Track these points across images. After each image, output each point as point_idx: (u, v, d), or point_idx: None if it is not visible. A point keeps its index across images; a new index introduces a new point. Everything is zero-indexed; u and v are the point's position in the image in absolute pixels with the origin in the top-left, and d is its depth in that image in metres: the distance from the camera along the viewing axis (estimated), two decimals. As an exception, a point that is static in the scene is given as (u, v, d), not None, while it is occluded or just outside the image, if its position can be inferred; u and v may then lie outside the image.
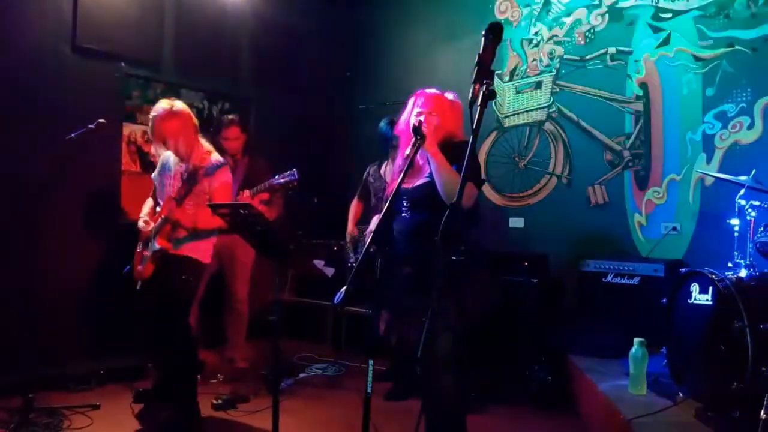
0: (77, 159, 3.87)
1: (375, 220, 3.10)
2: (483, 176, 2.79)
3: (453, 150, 2.53)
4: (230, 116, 4.52)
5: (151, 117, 3.42)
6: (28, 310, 3.99)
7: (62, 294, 4.21)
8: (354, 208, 4.65)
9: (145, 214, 3.53)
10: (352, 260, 4.57)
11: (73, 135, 3.51)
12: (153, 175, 3.64)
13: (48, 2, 4.31)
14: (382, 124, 4.39)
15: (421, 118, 2.58)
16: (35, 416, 3.35)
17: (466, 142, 2.51)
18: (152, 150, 3.50)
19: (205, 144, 3.53)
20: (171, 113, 3.36)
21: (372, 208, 4.42)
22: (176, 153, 3.44)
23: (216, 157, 3.49)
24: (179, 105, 3.43)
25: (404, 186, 2.61)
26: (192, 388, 3.43)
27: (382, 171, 4.44)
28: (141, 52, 4.82)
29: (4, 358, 3.81)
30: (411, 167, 2.44)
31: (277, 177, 3.95)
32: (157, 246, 3.31)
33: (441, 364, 2.53)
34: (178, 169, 3.46)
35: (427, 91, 2.76)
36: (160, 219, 3.35)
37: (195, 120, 3.48)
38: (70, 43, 4.41)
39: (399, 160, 2.85)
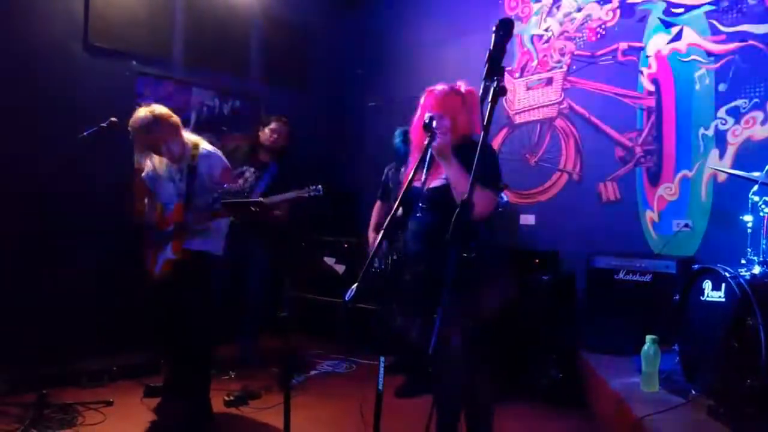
0: (89, 157, 3.90)
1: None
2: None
3: (472, 151, 2.45)
4: (284, 118, 4.73)
5: (133, 129, 3.28)
6: (41, 308, 4.03)
7: (75, 291, 4.24)
8: (376, 211, 4.64)
9: (152, 218, 3.52)
10: (375, 265, 4.47)
11: (85, 133, 3.53)
12: (143, 176, 3.59)
13: (60, 1, 4.34)
14: (396, 140, 4.40)
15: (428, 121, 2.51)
16: (49, 412, 3.39)
17: (484, 142, 2.46)
18: (136, 161, 3.40)
19: (191, 137, 3.46)
20: (155, 119, 3.27)
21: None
22: (170, 157, 3.37)
23: (205, 146, 3.45)
24: (159, 109, 3.34)
25: (421, 185, 2.57)
26: (205, 385, 3.45)
27: (401, 175, 4.41)
28: (152, 51, 4.85)
29: (19, 355, 3.86)
30: (420, 167, 2.40)
31: (302, 190, 4.13)
32: (171, 255, 3.33)
33: (452, 362, 2.53)
34: (171, 171, 3.42)
35: (437, 89, 2.64)
36: (172, 226, 3.36)
37: (177, 118, 3.40)
38: (82, 42, 4.44)
39: (413, 159, 2.81)
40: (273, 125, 4.62)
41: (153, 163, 3.47)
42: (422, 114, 2.63)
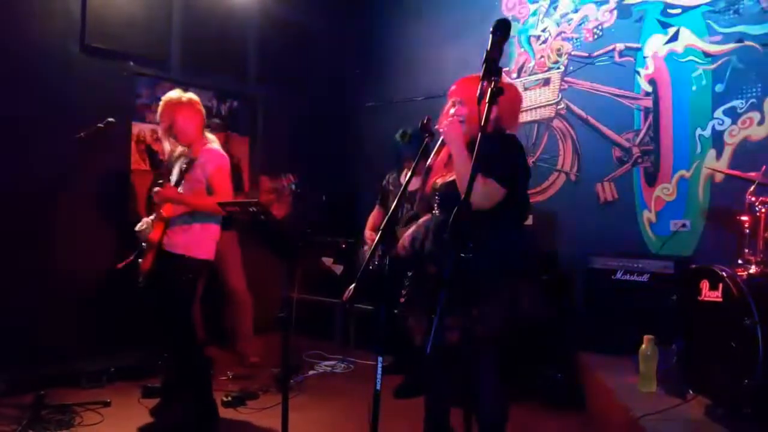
0: (87, 158, 3.90)
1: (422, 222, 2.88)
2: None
3: (495, 147, 2.25)
4: (217, 121, 4.69)
5: (161, 102, 3.44)
6: (38, 309, 4.02)
7: (72, 292, 4.24)
8: (372, 216, 4.60)
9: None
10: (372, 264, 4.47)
11: (82, 134, 3.53)
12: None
13: (57, 2, 4.33)
14: (397, 136, 4.40)
15: (452, 109, 2.44)
16: (47, 413, 3.38)
17: (511, 135, 2.39)
18: (162, 142, 3.53)
19: (209, 136, 3.51)
20: (180, 103, 3.38)
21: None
22: (179, 139, 3.45)
23: (213, 146, 3.47)
24: (189, 95, 3.45)
25: (438, 182, 2.53)
26: (203, 386, 3.43)
27: (402, 179, 4.40)
28: (149, 51, 4.85)
29: (16, 355, 3.85)
30: (417, 166, 2.36)
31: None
32: (147, 234, 3.36)
33: (445, 363, 2.53)
34: (179, 164, 3.47)
35: (469, 76, 2.50)
36: (156, 213, 3.38)
37: (203, 112, 3.48)
38: (79, 43, 4.44)
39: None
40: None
41: (176, 156, 3.57)
42: (448, 100, 2.54)
